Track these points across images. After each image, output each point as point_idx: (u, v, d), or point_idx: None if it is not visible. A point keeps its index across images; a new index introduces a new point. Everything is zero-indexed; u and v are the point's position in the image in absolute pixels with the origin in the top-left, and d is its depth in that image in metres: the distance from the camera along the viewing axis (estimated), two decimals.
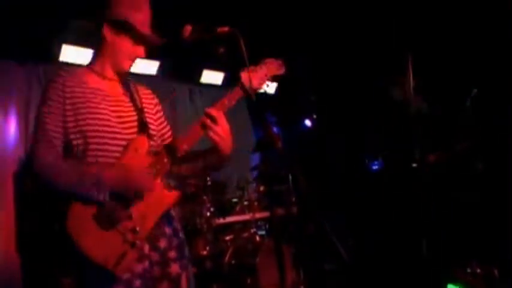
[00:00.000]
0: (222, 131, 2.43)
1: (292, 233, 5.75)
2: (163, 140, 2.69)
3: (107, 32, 2.48)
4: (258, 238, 5.24)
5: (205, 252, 5.09)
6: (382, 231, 6.61)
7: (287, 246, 5.10)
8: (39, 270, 4.94)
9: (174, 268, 2.46)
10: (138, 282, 2.32)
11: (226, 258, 4.99)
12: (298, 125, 7.96)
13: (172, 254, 2.48)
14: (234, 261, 4.98)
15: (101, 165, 2.33)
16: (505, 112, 6.00)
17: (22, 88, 5.45)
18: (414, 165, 5.47)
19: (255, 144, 6.03)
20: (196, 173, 2.72)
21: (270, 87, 7.79)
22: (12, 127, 5.33)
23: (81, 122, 2.37)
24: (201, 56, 6.03)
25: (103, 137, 2.38)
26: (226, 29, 2.33)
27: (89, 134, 2.36)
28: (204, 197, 5.28)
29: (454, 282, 4.75)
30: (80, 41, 5.50)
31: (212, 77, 7.08)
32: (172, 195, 2.45)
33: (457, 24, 6.43)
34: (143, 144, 2.44)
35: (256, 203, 5.63)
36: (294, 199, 5.75)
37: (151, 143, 2.49)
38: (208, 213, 5.24)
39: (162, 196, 2.42)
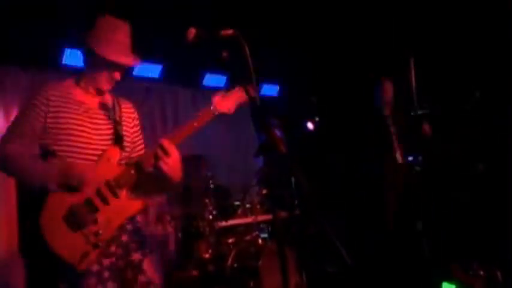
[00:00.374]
0: (171, 161, 2.63)
1: (295, 235, 5.74)
2: (135, 152, 2.91)
3: (87, 57, 2.75)
4: (260, 241, 5.24)
5: (207, 255, 5.09)
6: (383, 232, 6.61)
7: (290, 249, 5.09)
8: (41, 270, 4.94)
9: (135, 256, 2.74)
10: (106, 274, 2.61)
11: (229, 261, 4.98)
12: (300, 128, 7.96)
13: (133, 245, 2.75)
14: (237, 264, 4.98)
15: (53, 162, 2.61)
16: (506, 113, 6.01)
17: (25, 93, 5.47)
18: (417, 168, 5.47)
19: (258, 148, 6.02)
20: (151, 193, 3.07)
21: (273, 90, 7.81)
22: None
23: (62, 131, 2.64)
24: (203, 59, 6.03)
25: (80, 146, 2.65)
26: (230, 32, 2.34)
27: (68, 142, 2.63)
28: (207, 200, 5.28)
29: (449, 280, 4.76)
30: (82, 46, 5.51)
31: (215, 80, 7.08)
32: (136, 205, 2.70)
33: (459, 26, 6.44)
34: (115, 154, 2.71)
35: (258, 206, 5.62)
36: (296, 202, 5.74)
37: (123, 154, 2.77)
38: (210, 216, 5.24)
39: (127, 205, 2.67)
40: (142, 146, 2.99)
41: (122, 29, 2.74)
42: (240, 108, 2.79)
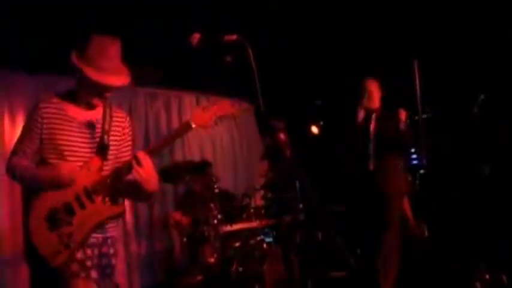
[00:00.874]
0: (144, 172, 2.81)
1: (300, 240, 5.74)
2: (118, 160, 3.08)
3: (78, 76, 2.91)
4: (265, 245, 5.25)
5: (212, 260, 5.09)
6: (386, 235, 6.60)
7: (294, 254, 5.10)
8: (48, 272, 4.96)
9: (93, 274, 2.93)
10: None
11: (234, 265, 4.99)
12: (305, 131, 7.97)
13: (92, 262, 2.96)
14: (242, 269, 4.98)
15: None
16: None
17: (31, 98, 5.48)
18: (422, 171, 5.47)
19: (263, 152, 6.03)
20: (130, 199, 3.47)
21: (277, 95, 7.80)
22: None
23: (56, 146, 2.90)
24: (207, 63, 6.04)
25: (67, 156, 2.89)
26: (234, 37, 2.36)
27: (56, 154, 2.90)
28: (211, 205, 5.29)
29: None
30: None
31: (219, 84, 7.07)
32: (110, 210, 2.94)
33: (462, 29, 6.44)
34: (96, 164, 2.94)
35: (263, 211, 5.63)
36: (301, 206, 5.74)
37: (105, 163, 2.98)
38: (215, 221, 5.24)
39: (101, 209, 2.91)
40: (128, 154, 3.14)
41: (112, 51, 2.89)
42: (244, 112, 2.85)
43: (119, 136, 3.11)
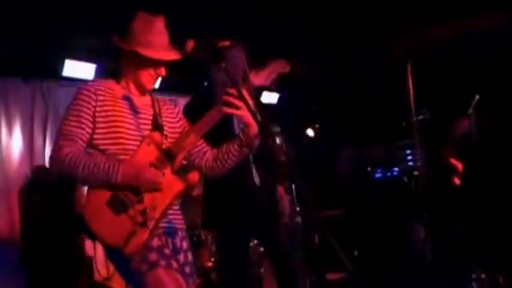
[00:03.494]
0: (247, 107, 2.52)
1: (297, 243, 5.75)
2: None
3: (126, 60, 2.67)
4: (262, 249, 5.25)
5: (210, 264, 5.10)
6: (386, 239, 6.62)
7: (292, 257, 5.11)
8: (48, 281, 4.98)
9: (174, 263, 2.55)
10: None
11: None
12: (302, 135, 8.00)
13: (169, 251, 2.60)
14: None
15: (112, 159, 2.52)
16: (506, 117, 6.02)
17: (26, 104, 5.51)
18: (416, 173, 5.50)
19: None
20: (236, 158, 2.79)
21: (273, 98, 7.83)
22: (17, 143, 5.37)
23: (108, 126, 2.56)
24: (204, 68, 6.06)
25: (122, 141, 2.56)
26: (227, 43, 2.36)
27: (113, 138, 2.55)
28: None
29: None
30: (83, 56, 5.55)
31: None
32: (181, 184, 2.58)
33: (456, 31, 6.47)
34: (155, 138, 2.61)
35: None
36: (298, 209, 5.76)
37: (164, 139, 2.65)
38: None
39: (172, 183, 2.55)
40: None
41: (158, 26, 2.67)
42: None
43: (174, 122, 2.84)
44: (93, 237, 2.46)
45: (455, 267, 5.22)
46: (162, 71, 2.70)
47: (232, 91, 2.55)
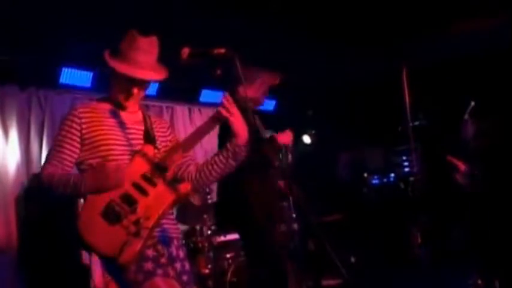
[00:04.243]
0: (239, 118, 2.64)
1: (293, 249, 5.75)
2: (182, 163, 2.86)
3: (111, 75, 2.70)
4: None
5: (207, 271, 5.11)
6: (382, 244, 6.63)
7: (290, 263, 5.11)
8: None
9: (171, 272, 2.60)
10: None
11: (228, 276, 5.00)
12: (297, 141, 8.00)
13: (166, 259, 2.63)
14: (236, 279, 5.00)
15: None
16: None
17: (23, 112, 5.50)
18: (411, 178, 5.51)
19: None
20: (220, 170, 2.81)
21: (269, 105, 7.86)
22: (13, 151, 5.36)
23: (100, 148, 2.63)
24: (200, 75, 6.07)
25: (114, 156, 2.62)
26: (222, 50, 2.38)
27: (105, 154, 2.61)
28: (205, 216, 5.30)
29: None
30: (79, 64, 5.56)
31: (211, 96, 7.13)
32: (173, 195, 2.60)
33: (453, 36, 6.50)
34: (149, 150, 2.67)
35: None
36: (294, 215, 5.76)
37: (156, 152, 2.70)
38: (209, 232, 5.26)
39: (167, 191, 2.59)
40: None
41: (143, 44, 2.68)
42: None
43: (165, 136, 2.88)
44: (88, 249, 2.49)
45: (451, 272, 5.23)
46: (135, 90, 2.70)
47: (228, 97, 2.60)
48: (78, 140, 2.64)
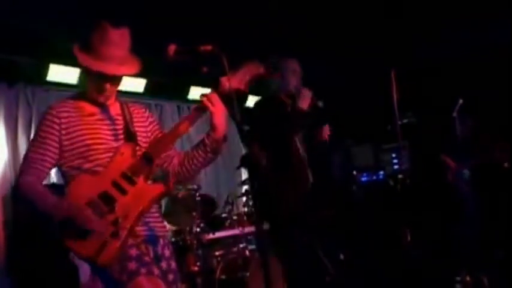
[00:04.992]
0: (221, 114, 2.64)
1: (282, 247, 5.75)
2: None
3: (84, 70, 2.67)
4: (248, 252, 5.25)
5: (196, 268, 5.09)
6: (372, 242, 6.63)
7: (277, 261, 5.10)
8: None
9: (155, 270, 2.54)
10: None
11: (217, 273, 4.99)
12: None
13: (150, 258, 2.59)
14: (225, 277, 4.99)
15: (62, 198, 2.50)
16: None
17: (11, 109, 5.45)
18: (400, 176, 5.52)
19: (240, 160, 6.03)
20: (200, 164, 2.81)
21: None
22: (0, 149, 5.31)
23: (79, 143, 2.58)
24: (188, 73, 6.05)
25: (97, 154, 2.58)
26: (209, 47, 2.36)
27: (87, 153, 2.57)
28: (194, 213, 5.29)
29: None
30: (67, 61, 5.52)
31: (199, 93, 7.09)
32: (157, 188, 2.59)
33: (440, 36, 6.52)
34: (128, 148, 2.62)
35: (245, 218, 5.63)
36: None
37: (138, 149, 2.66)
38: (197, 229, 5.25)
39: (146, 189, 2.57)
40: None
41: (114, 37, 2.59)
42: (272, 76, 2.74)
43: (145, 126, 2.82)
44: (69, 250, 2.44)
45: (440, 269, 5.24)
46: (106, 86, 2.63)
47: (212, 89, 2.62)
48: (58, 141, 2.58)
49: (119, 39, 2.59)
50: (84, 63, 2.57)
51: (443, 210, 6.28)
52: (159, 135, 2.84)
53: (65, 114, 2.61)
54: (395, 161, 7.77)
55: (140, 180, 2.56)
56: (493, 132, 5.90)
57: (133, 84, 6.26)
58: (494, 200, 5.73)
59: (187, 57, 2.41)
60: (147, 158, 2.58)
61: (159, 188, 2.60)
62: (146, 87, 6.43)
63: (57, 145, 2.58)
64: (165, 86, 6.78)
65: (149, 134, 2.83)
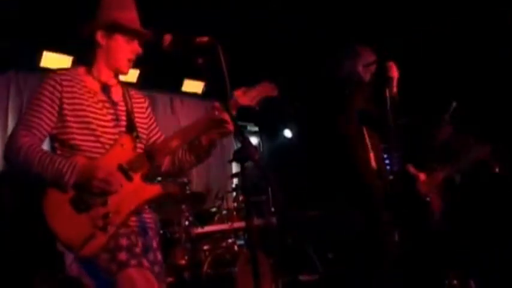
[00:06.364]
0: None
1: (270, 243, 5.74)
2: (152, 140, 2.79)
3: (101, 38, 2.57)
4: (236, 248, 5.24)
5: (183, 262, 5.07)
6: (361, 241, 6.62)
7: (265, 257, 5.09)
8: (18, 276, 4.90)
9: (145, 262, 2.47)
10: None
11: (205, 267, 4.97)
12: (279, 135, 8.00)
13: (140, 250, 2.51)
14: (212, 271, 4.97)
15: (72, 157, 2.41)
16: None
17: (1, 96, 5.41)
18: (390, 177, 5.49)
19: (232, 155, 6.01)
20: (190, 166, 2.81)
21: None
22: None
23: (78, 119, 2.46)
24: (181, 65, 6.03)
25: (95, 135, 2.48)
26: (205, 39, 2.33)
27: (84, 130, 2.46)
28: (183, 206, 5.26)
29: None
30: (60, 48, 5.48)
31: (193, 86, 7.09)
32: (153, 190, 2.52)
33: (437, 35, 6.51)
34: (129, 141, 2.54)
35: (235, 213, 5.62)
36: (272, 210, 5.75)
37: (137, 142, 2.60)
38: (186, 223, 5.22)
39: (142, 189, 2.49)
40: (159, 132, 2.85)
41: (128, 5, 2.62)
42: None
43: (144, 118, 2.76)
44: (50, 233, 2.34)
45: (428, 272, 5.24)
46: (136, 47, 2.62)
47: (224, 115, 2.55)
48: (57, 109, 2.44)
49: (131, 3, 2.64)
50: (117, 20, 2.53)
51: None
52: (158, 133, 2.83)
53: (69, 83, 2.50)
54: (386, 162, 7.76)
55: (137, 177, 2.49)
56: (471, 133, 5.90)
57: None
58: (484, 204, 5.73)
59: (183, 47, 2.36)
60: (150, 157, 2.53)
61: (156, 189, 2.54)
62: (139, 78, 6.39)
63: (56, 113, 2.44)
64: (159, 77, 6.74)
65: (147, 127, 2.78)
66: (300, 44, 6.57)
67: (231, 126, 2.57)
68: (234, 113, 2.57)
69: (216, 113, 2.56)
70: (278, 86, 2.88)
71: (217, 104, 2.56)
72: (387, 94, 3.85)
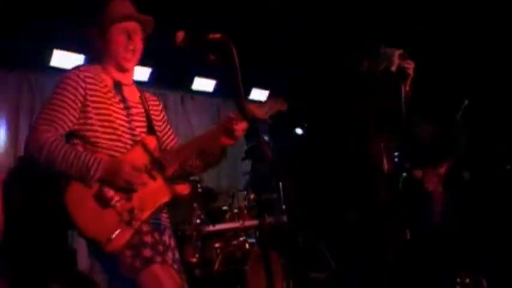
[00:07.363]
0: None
1: (282, 241, 5.73)
2: (166, 141, 2.82)
3: (97, 35, 2.60)
4: (247, 246, 5.23)
5: (194, 260, 5.07)
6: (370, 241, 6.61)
7: (277, 255, 5.08)
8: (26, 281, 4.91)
9: (169, 259, 2.57)
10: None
11: (216, 265, 4.97)
12: (290, 134, 7.98)
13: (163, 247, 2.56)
14: (223, 269, 4.97)
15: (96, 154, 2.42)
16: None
17: (12, 95, 5.42)
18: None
19: (245, 153, 6.00)
20: (199, 171, 2.89)
21: (262, 95, 7.81)
22: (2, 134, 5.29)
23: (102, 117, 2.47)
24: (192, 63, 6.03)
25: (117, 134, 2.49)
26: (218, 35, 2.32)
27: (107, 129, 2.47)
28: (194, 204, 5.26)
29: None
30: (71, 46, 5.49)
31: (204, 84, 7.09)
32: (174, 190, 2.52)
33: (446, 35, 6.49)
34: (151, 141, 2.55)
35: (246, 211, 5.61)
36: (284, 208, 5.73)
37: (157, 147, 2.60)
38: (198, 221, 5.22)
39: (165, 188, 2.50)
40: (173, 136, 2.87)
41: (125, 3, 2.64)
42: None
43: (158, 121, 2.79)
44: (72, 226, 2.32)
45: (440, 270, 5.22)
46: (132, 32, 2.60)
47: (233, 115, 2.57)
48: (80, 105, 2.44)
49: (129, 4, 2.65)
50: (106, 18, 2.56)
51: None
52: (171, 136, 2.86)
53: (91, 81, 2.50)
54: (396, 159, 7.73)
55: (160, 177, 2.50)
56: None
57: (138, 72, 6.22)
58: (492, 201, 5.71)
59: (196, 44, 2.36)
60: (159, 165, 2.53)
61: (179, 188, 2.55)
62: (151, 76, 6.40)
63: (78, 109, 2.44)
64: (169, 75, 6.75)
65: (161, 130, 2.80)
66: (300, 44, 6.56)
67: (240, 133, 2.62)
68: (248, 118, 2.56)
69: (233, 123, 2.58)
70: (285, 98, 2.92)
71: (232, 114, 2.58)
72: (403, 92, 3.80)
